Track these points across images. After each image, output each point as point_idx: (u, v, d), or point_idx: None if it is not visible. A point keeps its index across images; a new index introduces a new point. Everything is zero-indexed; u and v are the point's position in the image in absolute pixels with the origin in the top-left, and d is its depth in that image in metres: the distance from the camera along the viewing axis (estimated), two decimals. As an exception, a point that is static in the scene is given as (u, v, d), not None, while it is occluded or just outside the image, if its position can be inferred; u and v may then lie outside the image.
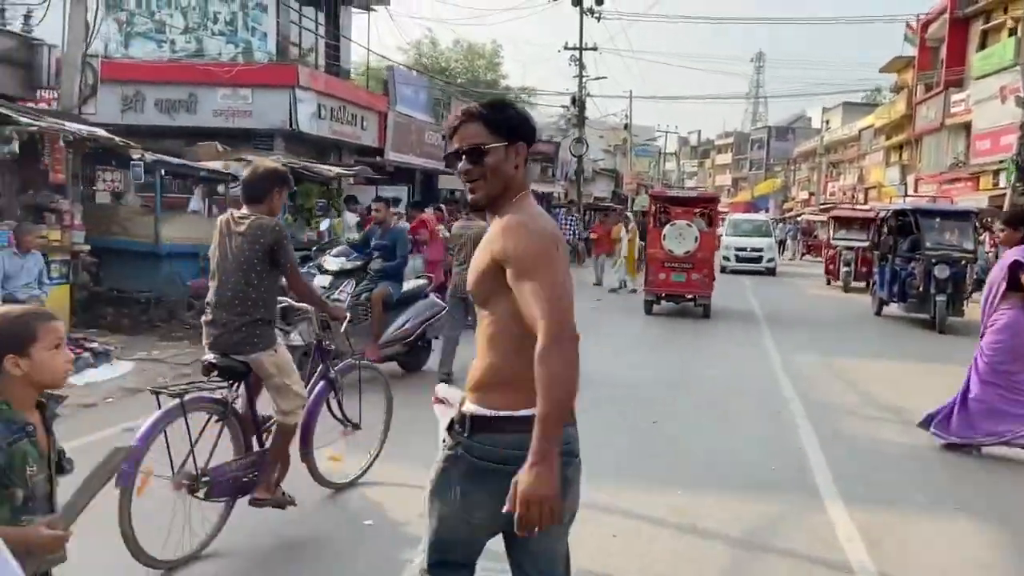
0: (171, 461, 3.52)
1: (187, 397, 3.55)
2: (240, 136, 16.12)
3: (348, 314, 4.60)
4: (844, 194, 47.16)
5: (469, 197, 2.06)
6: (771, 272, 24.55)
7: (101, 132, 8.79)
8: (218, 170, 10.52)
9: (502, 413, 1.98)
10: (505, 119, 2.04)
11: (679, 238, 12.88)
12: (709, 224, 13.78)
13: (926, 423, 5.90)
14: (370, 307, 7.38)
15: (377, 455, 4.81)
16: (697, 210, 13.85)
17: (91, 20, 9.96)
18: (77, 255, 8.71)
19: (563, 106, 29.30)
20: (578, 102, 28.00)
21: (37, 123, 7.51)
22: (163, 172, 9.35)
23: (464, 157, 2.01)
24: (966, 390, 5.62)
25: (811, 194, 59.74)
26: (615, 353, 9.21)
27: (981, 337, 5.63)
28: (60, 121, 8.09)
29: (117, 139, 8.97)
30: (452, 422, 2.10)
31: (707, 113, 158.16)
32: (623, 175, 45.50)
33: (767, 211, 53.33)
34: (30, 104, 10.16)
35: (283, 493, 4.03)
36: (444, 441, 2.10)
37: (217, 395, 3.78)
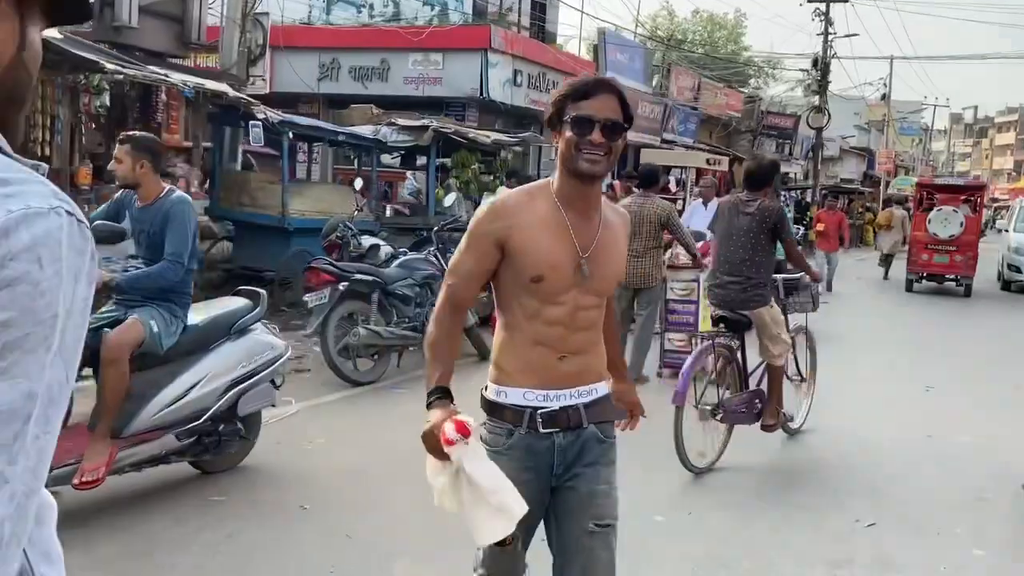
0: (695, 392, 4.59)
1: (715, 340, 4.69)
2: (431, 105, 14.92)
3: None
4: None
5: (591, 168, 1.99)
6: None
7: (224, 87, 7.67)
8: (361, 135, 9.14)
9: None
10: (629, 105, 2.05)
11: (944, 222, 13.92)
12: (974, 211, 14.91)
13: None
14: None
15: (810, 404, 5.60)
16: (963, 197, 14.90)
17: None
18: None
19: (802, 70, 25.14)
20: (820, 64, 23.79)
21: (124, 71, 6.45)
22: (291, 135, 8.09)
23: (601, 128, 1.97)
24: None
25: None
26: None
27: None
28: (162, 71, 7.02)
29: (243, 96, 7.82)
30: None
31: (986, 83, 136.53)
32: (878, 154, 39.57)
33: None
34: (178, 62, 9.37)
35: (784, 416, 5.16)
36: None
37: (729, 342, 4.82)
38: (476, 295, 2.12)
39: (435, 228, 7.11)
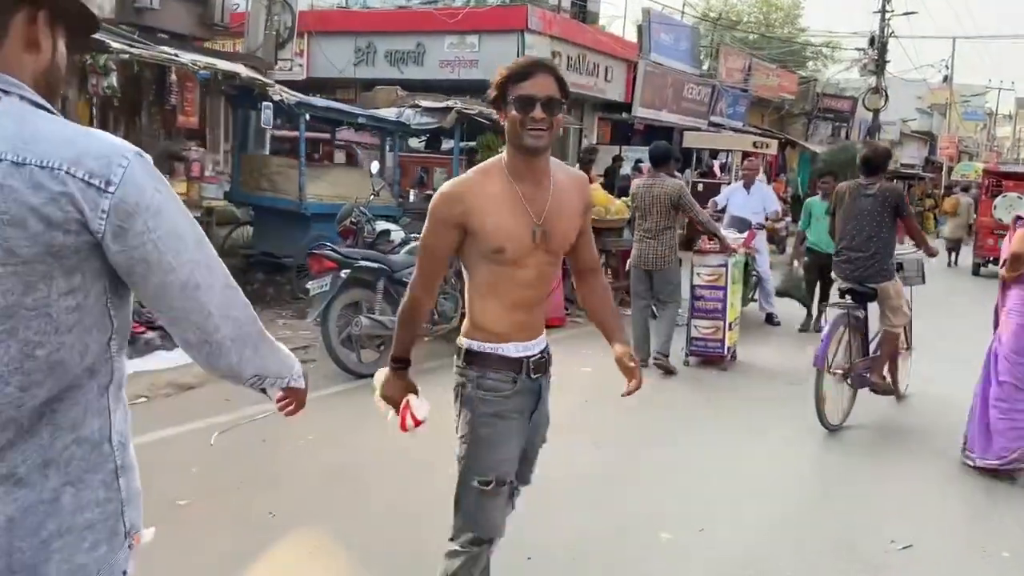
0: (827, 356, 5.08)
1: (841, 312, 5.28)
2: (468, 89, 14.58)
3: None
4: None
5: (535, 142, 2.19)
6: None
7: (238, 68, 7.42)
8: (384, 117, 8.81)
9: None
10: (565, 82, 2.25)
11: (1009, 208, 13.90)
12: None
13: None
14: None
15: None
16: None
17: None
18: (210, 212, 7.48)
19: (859, 49, 23.95)
20: (877, 43, 22.63)
21: (131, 50, 6.23)
22: (308, 117, 7.81)
23: (541, 105, 2.16)
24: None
25: None
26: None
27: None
28: (172, 51, 6.79)
29: (258, 77, 7.57)
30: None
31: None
32: (940, 139, 37.87)
33: None
34: (201, 44, 9.18)
35: (889, 382, 5.70)
36: None
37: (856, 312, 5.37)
38: (445, 269, 2.41)
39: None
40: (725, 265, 6.92)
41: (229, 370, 1.37)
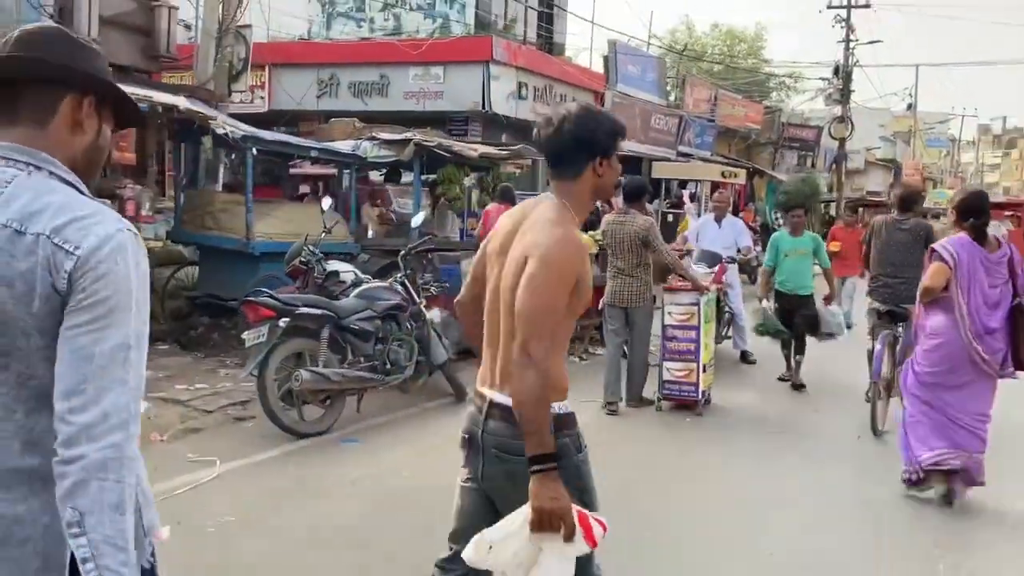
0: (881, 371, 5.86)
1: (887, 331, 6.04)
2: (433, 121, 14.26)
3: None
4: None
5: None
6: None
7: (179, 100, 6.98)
8: (339, 150, 8.38)
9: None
10: None
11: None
12: (1017, 225, 17.31)
13: None
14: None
15: None
16: (1006, 213, 17.25)
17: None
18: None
19: (824, 78, 24.10)
20: (842, 72, 22.76)
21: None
22: (255, 151, 7.35)
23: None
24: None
25: None
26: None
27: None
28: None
29: (199, 109, 7.12)
30: None
31: (1014, 96, 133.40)
32: (904, 166, 38.31)
33: None
34: (151, 76, 8.72)
35: None
36: None
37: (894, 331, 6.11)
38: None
39: (402, 252, 6.27)
40: (697, 304, 6.58)
41: (70, 465, 1.25)
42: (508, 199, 7.60)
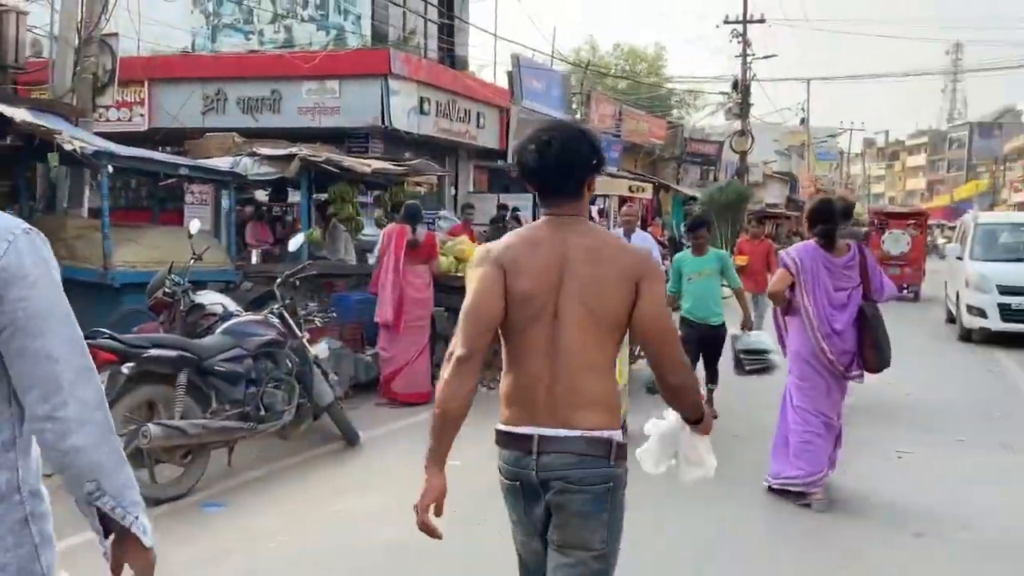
0: None
1: None
2: (331, 138, 13.48)
3: None
4: (1077, 195, 39.40)
5: None
6: None
7: (15, 112, 6.06)
8: (214, 167, 7.57)
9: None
10: None
11: (895, 242, 17.26)
12: (920, 231, 17.97)
13: None
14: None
15: None
16: (909, 222, 17.99)
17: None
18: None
19: (723, 93, 24.57)
20: (741, 87, 23.23)
21: None
22: (110, 169, 6.47)
23: None
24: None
25: (1031, 196, 50.84)
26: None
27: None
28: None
29: (41, 123, 6.22)
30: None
31: (895, 109, 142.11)
32: (800, 178, 39.74)
33: None
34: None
35: None
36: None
37: None
38: None
39: (278, 280, 5.53)
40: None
41: (68, 456, 1.36)
42: (411, 219, 6.98)
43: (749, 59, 23.30)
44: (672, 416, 2.32)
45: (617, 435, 2.07)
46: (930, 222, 25.99)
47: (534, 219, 7.41)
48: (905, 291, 16.64)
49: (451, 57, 17.85)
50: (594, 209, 18.42)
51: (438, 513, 2.05)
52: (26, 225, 1.37)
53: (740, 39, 23.12)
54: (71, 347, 1.37)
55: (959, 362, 10.15)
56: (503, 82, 19.59)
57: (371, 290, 7.14)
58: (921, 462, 5.58)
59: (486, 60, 21.22)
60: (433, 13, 17.28)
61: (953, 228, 27.82)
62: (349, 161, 7.43)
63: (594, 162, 2.14)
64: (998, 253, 12.11)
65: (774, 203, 34.55)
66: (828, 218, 4.65)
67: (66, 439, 1.34)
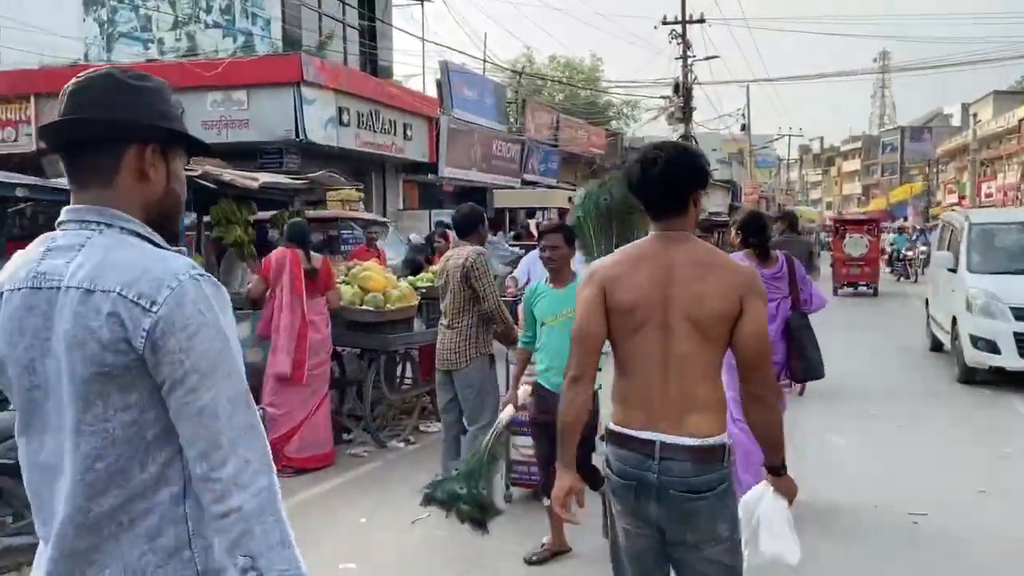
0: None
1: None
2: (241, 154, 12.16)
3: None
4: (1005, 194, 40.31)
5: None
6: None
7: None
8: (63, 187, 6.28)
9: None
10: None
11: (856, 245, 19.18)
12: (874, 235, 19.82)
13: None
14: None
15: None
16: (866, 227, 19.81)
17: None
18: None
19: (664, 97, 23.91)
20: (682, 90, 22.60)
21: None
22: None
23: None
24: None
25: (961, 197, 52.11)
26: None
27: None
28: None
29: None
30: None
31: (829, 118, 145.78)
32: (742, 186, 39.65)
33: (905, 219, 47.87)
34: None
35: None
36: None
37: None
38: None
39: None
40: (540, 361, 5.06)
41: (227, 519, 1.26)
42: (297, 240, 5.81)
43: (690, 61, 22.68)
44: (757, 488, 2.38)
45: (727, 439, 2.22)
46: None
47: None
48: (865, 288, 19.49)
49: (374, 64, 16.72)
50: (532, 223, 17.41)
51: (580, 504, 2.35)
52: (197, 269, 1.31)
53: (680, 41, 22.49)
54: (233, 404, 1.28)
55: (967, 435, 6.68)
56: (433, 92, 18.53)
57: (260, 332, 5.92)
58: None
59: (418, 69, 20.04)
60: (353, 17, 16.10)
61: (901, 232, 27.88)
62: (229, 175, 6.22)
63: (698, 179, 2.25)
64: (1004, 263, 8.77)
65: (717, 211, 34.25)
66: (758, 229, 4.66)
67: (224, 501, 1.26)
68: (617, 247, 3.03)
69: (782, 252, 4.94)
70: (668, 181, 2.19)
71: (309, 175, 7.35)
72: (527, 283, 6.81)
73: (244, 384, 1.31)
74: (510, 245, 13.52)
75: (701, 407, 2.17)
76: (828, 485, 5.16)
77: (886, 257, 25.10)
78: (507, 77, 26.11)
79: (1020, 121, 39.70)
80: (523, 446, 5.06)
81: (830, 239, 22.55)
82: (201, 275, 1.29)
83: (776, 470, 2.29)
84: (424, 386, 6.77)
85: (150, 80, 1.43)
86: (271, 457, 1.31)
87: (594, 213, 4.55)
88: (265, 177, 6.66)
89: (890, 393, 8.26)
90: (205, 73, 12.61)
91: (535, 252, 6.92)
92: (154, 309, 1.23)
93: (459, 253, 4.85)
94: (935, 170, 61.52)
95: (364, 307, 5.59)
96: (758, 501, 2.32)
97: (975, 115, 50.65)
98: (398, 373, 7.14)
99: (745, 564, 2.30)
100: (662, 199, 2.22)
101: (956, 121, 59.37)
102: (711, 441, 2.16)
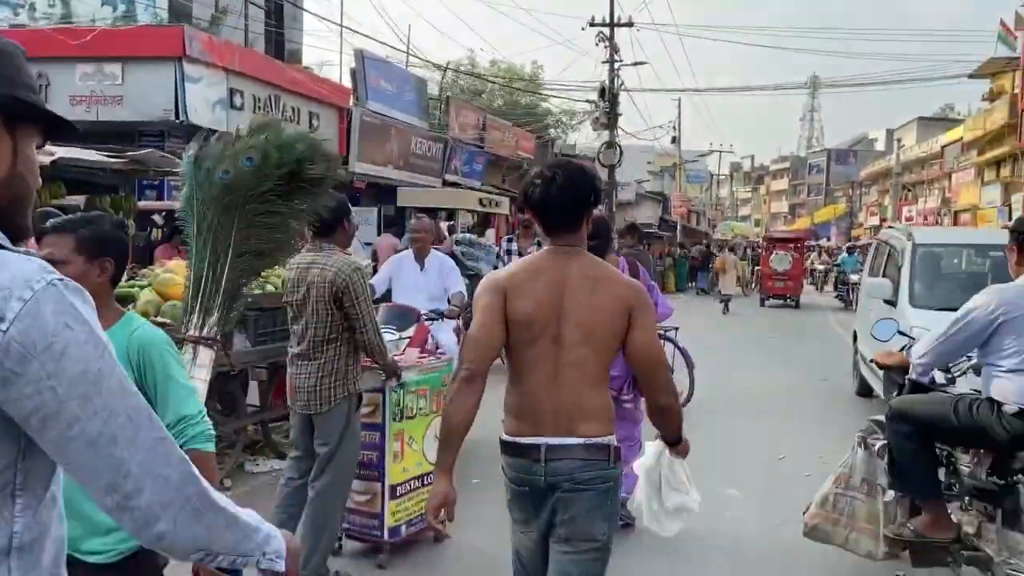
0: None
1: None
2: (118, 135, 10.78)
3: None
4: (925, 218, 41.21)
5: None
6: None
7: None
8: None
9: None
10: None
11: (781, 261, 20.97)
12: (799, 253, 21.88)
13: None
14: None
15: None
16: (792, 244, 21.85)
17: None
18: None
19: (589, 101, 23.13)
20: (608, 94, 21.87)
21: None
22: None
23: None
24: None
25: (883, 219, 53.51)
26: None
27: None
28: None
29: None
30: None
31: (760, 137, 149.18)
32: (672, 199, 39.50)
33: (828, 239, 49.17)
34: None
35: None
36: None
37: None
38: None
39: None
40: (382, 390, 4.06)
41: (161, 542, 1.12)
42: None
43: (617, 65, 21.98)
44: (651, 447, 2.53)
45: (614, 440, 2.31)
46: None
47: (379, 234, 4.33)
48: (788, 300, 21.08)
49: (280, 47, 15.45)
50: (444, 226, 16.37)
51: (450, 517, 2.27)
52: (52, 273, 1.03)
53: (607, 44, 21.76)
54: (132, 421, 1.06)
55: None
56: (348, 82, 17.34)
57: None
58: None
59: (332, 58, 18.79)
60: (255, -5, 14.83)
61: (828, 252, 28.06)
62: (86, 155, 4.94)
63: (591, 198, 2.39)
64: (954, 296, 5.62)
65: (647, 223, 33.96)
66: (596, 235, 4.22)
67: (151, 527, 1.09)
68: (235, 251, 2.94)
69: (626, 257, 4.67)
70: (566, 199, 2.30)
71: (130, 153, 6.10)
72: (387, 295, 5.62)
73: (138, 395, 1.09)
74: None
75: (588, 413, 2.27)
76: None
77: (810, 275, 25.55)
78: (438, 74, 25.09)
79: (943, 147, 40.62)
80: (355, 492, 4.05)
81: (761, 254, 24.28)
82: (59, 279, 1.04)
83: (675, 441, 2.46)
84: (247, 417, 5.54)
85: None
86: (188, 463, 1.11)
87: (206, 189, 3.18)
88: (61, 152, 5.31)
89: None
90: (71, 42, 11.19)
91: (402, 254, 5.81)
92: (2, 327, 0.98)
93: (325, 262, 3.63)
94: (858, 192, 63.21)
95: (160, 318, 4.31)
96: (656, 460, 2.49)
97: (899, 140, 52.05)
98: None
99: (647, 519, 2.52)
100: (559, 216, 2.32)
101: (880, 146, 61.23)
102: (597, 440, 2.26)
